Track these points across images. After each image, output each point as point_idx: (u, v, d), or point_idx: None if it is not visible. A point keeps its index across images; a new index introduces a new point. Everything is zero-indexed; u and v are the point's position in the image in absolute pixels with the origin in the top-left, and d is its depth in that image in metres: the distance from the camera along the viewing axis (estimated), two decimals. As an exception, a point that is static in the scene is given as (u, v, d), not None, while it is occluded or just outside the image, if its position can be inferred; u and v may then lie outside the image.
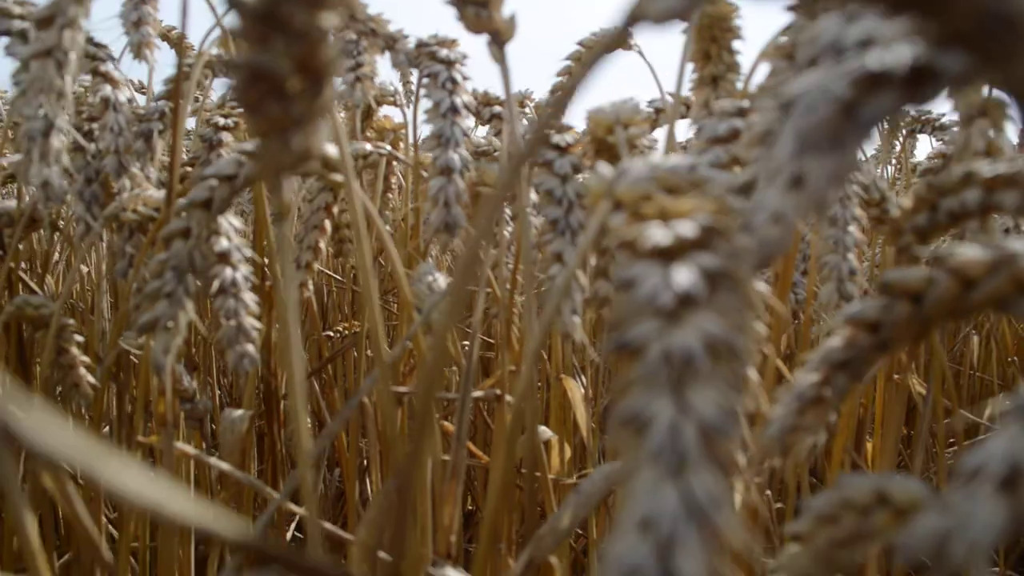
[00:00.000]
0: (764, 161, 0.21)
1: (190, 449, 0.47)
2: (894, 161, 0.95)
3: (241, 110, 0.66)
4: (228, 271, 0.41)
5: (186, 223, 0.35)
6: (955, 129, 0.86)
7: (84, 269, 0.78)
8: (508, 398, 0.51)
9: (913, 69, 0.16)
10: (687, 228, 0.17)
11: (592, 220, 0.24)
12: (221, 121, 0.60)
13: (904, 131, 0.85)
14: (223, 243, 0.41)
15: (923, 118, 0.80)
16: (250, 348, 0.42)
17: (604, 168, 0.24)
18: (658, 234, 0.17)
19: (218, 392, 0.92)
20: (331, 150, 0.35)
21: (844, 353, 0.25)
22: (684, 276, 0.16)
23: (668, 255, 0.17)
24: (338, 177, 0.35)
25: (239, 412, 0.56)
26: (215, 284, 0.41)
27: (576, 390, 0.69)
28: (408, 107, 0.71)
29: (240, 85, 0.18)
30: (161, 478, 0.51)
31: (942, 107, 0.98)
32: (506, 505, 0.50)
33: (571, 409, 0.70)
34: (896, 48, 0.16)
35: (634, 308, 0.16)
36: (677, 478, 0.14)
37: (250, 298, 0.42)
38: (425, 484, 0.41)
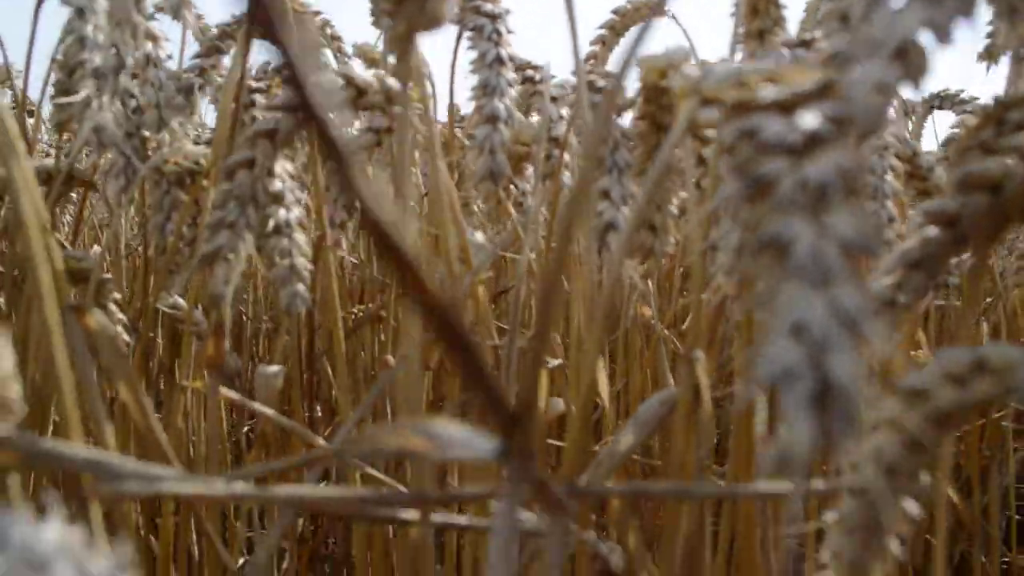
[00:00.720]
0: (852, 40, 0.22)
1: (233, 394, 0.48)
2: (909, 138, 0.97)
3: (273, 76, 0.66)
4: (282, 211, 0.42)
5: (250, 154, 0.36)
6: (977, 102, 0.88)
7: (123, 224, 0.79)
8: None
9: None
10: (801, 85, 0.18)
11: (680, 117, 0.25)
12: (254, 84, 0.61)
13: (922, 108, 0.86)
14: (277, 184, 0.41)
15: (942, 93, 0.81)
16: (301, 288, 0.43)
17: (688, 69, 0.25)
18: (773, 91, 0.18)
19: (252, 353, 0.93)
20: (392, 82, 0.36)
21: (919, 251, 0.26)
22: (810, 118, 0.17)
23: (786, 107, 0.18)
24: (398, 110, 0.36)
25: (274, 368, 0.56)
26: (270, 223, 0.41)
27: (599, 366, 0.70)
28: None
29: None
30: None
31: (961, 83, 0.98)
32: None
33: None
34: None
35: (760, 149, 0.17)
36: (823, 290, 0.15)
37: (302, 239, 0.43)
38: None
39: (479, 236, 0.49)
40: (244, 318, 0.99)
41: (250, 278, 1.00)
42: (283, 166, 0.42)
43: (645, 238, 0.45)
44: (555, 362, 0.55)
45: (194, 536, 0.57)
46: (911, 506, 0.25)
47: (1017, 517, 0.95)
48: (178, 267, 0.57)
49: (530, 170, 0.62)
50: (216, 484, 0.22)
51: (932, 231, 0.25)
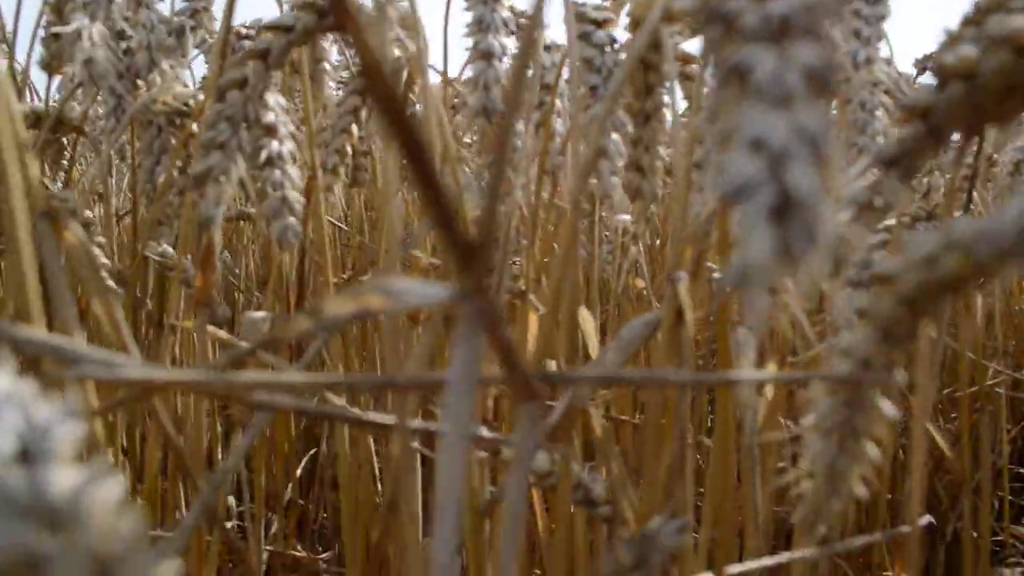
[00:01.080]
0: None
1: (222, 333, 0.48)
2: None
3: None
4: (275, 143, 0.42)
5: (243, 74, 0.36)
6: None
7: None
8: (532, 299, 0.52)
9: None
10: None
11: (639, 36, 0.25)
12: (243, 31, 0.62)
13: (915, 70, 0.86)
14: (270, 116, 0.42)
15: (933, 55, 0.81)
16: (293, 221, 0.43)
17: None
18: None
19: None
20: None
21: (895, 148, 0.26)
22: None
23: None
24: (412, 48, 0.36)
25: (261, 313, 0.56)
26: (262, 155, 0.41)
27: (590, 320, 0.70)
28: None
29: None
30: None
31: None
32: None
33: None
34: None
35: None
36: (784, 110, 0.15)
37: (295, 173, 0.43)
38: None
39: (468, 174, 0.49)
40: (236, 293, 0.99)
41: (241, 253, 1.01)
42: (276, 99, 0.43)
43: (633, 178, 0.45)
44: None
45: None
46: (887, 407, 0.26)
47: (1010, 498, 0.96)
48: (168, 218, 0.58)
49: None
50: (179, 372, 0.22)
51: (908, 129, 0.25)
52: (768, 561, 0.34)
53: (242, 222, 0.97)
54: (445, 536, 0.16)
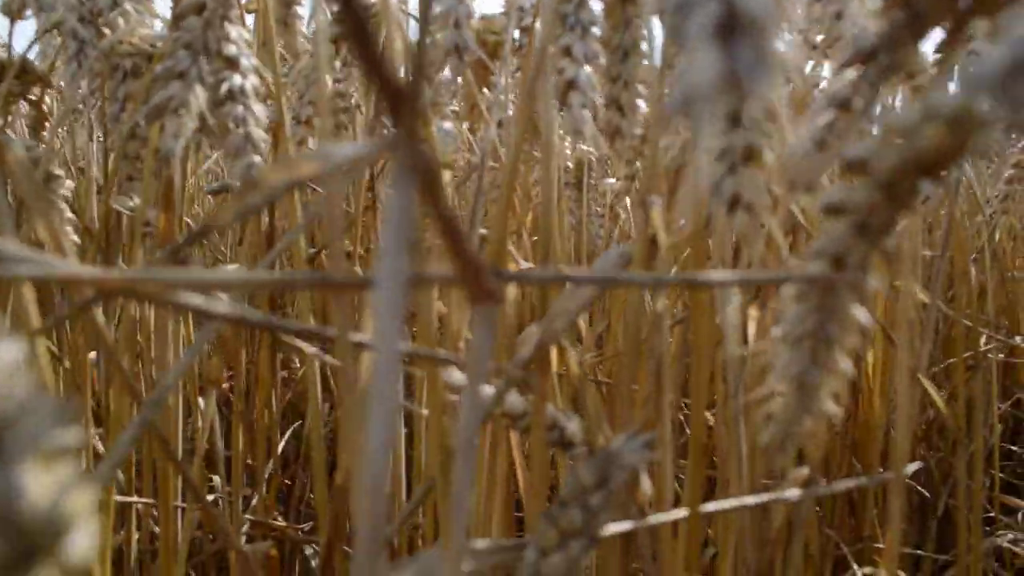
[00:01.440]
0: None
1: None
2: None
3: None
4: (237, 77, 0.40)
5: (198, -4, 0.35)
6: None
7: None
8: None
9: None
10: None
11: None
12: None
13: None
14: (231, 49, 0.40)
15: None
16: (258, 160, 0.41)
17: None
18: None
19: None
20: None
21: (874, 39, 0.24)
22: None
23: None
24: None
25: (232, 267, 0.55)
26: (223, 88, 0.40)
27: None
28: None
29: None
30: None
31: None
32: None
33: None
34: None
35: None
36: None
37: (260, 110, 0.41)
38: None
39: (447, 124, 0.47)
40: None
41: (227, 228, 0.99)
42: (239, 31, 0.41)
43: (612, 117, 0.44)
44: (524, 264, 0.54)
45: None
46: (861, 314, 0.24)
47: (1001, 476, 0.95)
48: (139, 173, 0.56)
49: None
50: (113, 270, 0.21)
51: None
52: (749, 500, 0.33)
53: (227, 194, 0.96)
54: (379, 426, 0.15)
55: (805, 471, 0.35)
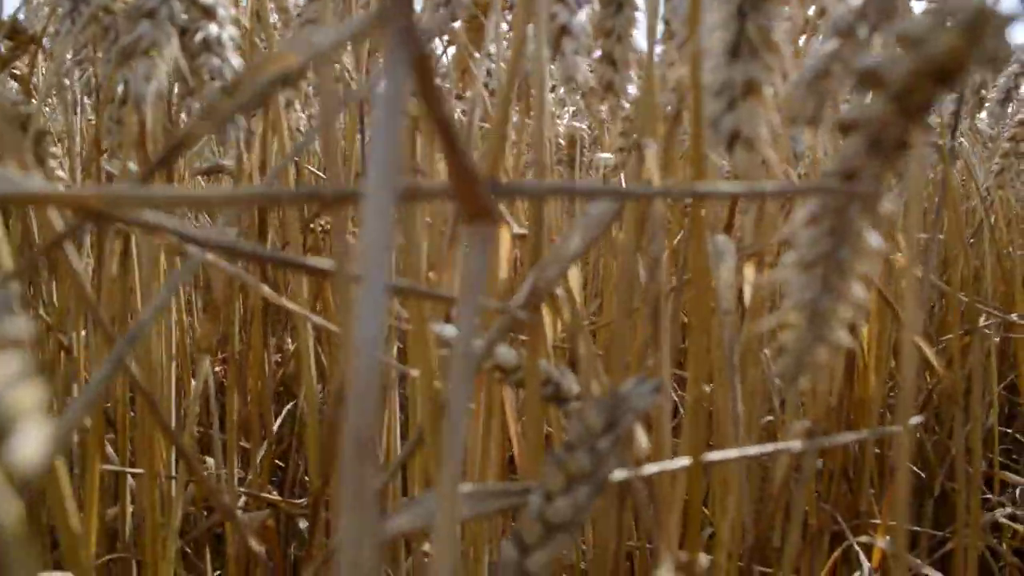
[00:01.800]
0: None
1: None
2: None
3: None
4: (213, 27, 0.39)
5: (171, -69, 0.33)
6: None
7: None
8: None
9: None
10: None
11: None
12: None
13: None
14: (209, -2, 0.39)
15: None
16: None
17: None
18: None
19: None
20: None
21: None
22: None
23: None
24: None
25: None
26: (198, 37, 0.38)
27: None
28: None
29: None
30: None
31: None
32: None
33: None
34: None
35: None
36: None
37: (238, 62, 0.40)
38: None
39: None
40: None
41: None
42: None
43: (605, 72, 0.43)
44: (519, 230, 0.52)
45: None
46: (874, 238, 0.23)
47: (1000, 459, 0.94)
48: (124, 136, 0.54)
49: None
50: (88, 189, 0.20)
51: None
52: (751, 450, 0.32)
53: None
54: (372, 304, 0.13)
55: (806, 424, 0.34)
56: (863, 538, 0.61)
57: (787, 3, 0.27)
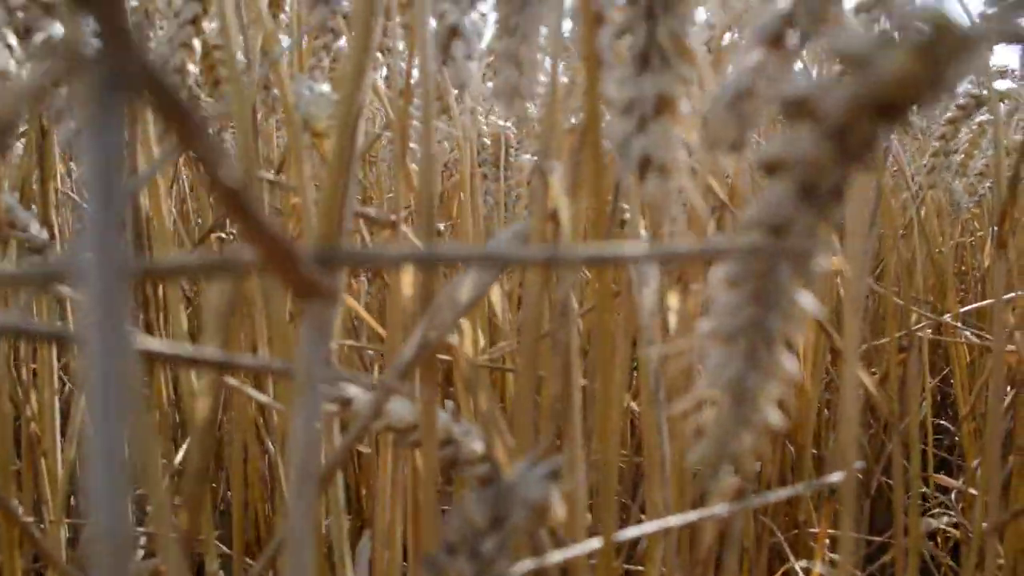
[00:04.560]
0: None
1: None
2: None
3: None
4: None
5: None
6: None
7: None
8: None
9: None
10: None
11: None
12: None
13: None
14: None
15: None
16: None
17: None
18: None
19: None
20: None
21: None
22: None
23: None
24: None
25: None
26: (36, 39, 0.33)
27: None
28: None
29: None
30: None
31: None
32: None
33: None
34: None
35: None
36: None
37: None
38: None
39: (321, 86, 0.41)
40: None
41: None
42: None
43: (510, 75, 0.38)
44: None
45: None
46: (807, 300, 0.19)
47: (933, 450, 0.93)
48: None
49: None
50: None
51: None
52: (673, 520, 0.28)
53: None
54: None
55: (736, 482, 0.30)
56: (803, 563, 0.59)
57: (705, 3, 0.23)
